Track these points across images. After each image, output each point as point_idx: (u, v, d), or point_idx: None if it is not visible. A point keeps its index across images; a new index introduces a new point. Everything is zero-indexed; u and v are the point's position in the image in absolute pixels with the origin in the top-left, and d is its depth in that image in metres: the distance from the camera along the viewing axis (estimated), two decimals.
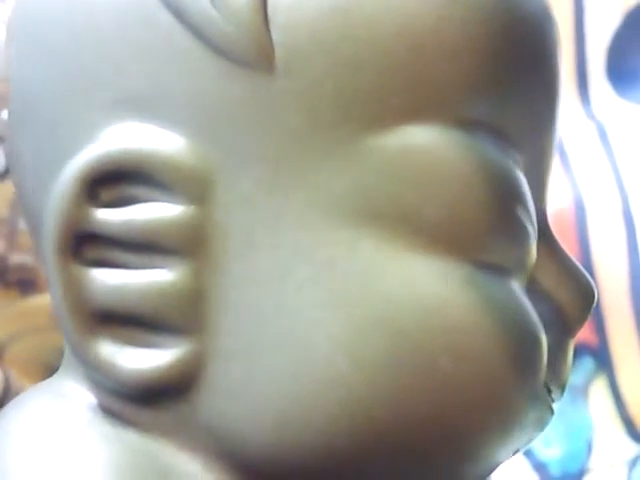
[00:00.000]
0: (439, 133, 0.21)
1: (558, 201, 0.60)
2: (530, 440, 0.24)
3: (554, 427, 0.60)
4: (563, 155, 0.61)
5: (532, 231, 0.22)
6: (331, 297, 0.20)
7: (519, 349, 0.22)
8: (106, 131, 0.20)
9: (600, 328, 0.59)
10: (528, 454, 0.57)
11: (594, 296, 0.24)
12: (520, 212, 0.22)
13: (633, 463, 0.57)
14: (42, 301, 0.55)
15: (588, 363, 0.59)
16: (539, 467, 0.57)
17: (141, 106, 0.20)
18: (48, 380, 0.22)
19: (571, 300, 0.24)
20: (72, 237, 0.20)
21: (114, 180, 0.20)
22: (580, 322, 0.24)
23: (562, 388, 0.24)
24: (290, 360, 0.20)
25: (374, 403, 0.20)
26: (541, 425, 0.24)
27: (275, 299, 0.20)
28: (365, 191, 0.20)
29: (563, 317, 0.24)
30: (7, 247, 0.56)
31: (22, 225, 0.56)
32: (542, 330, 0.22)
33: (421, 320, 0.20)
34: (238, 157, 0.20)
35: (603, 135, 0.62)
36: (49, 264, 0.20)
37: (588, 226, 0.60)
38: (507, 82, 0.22)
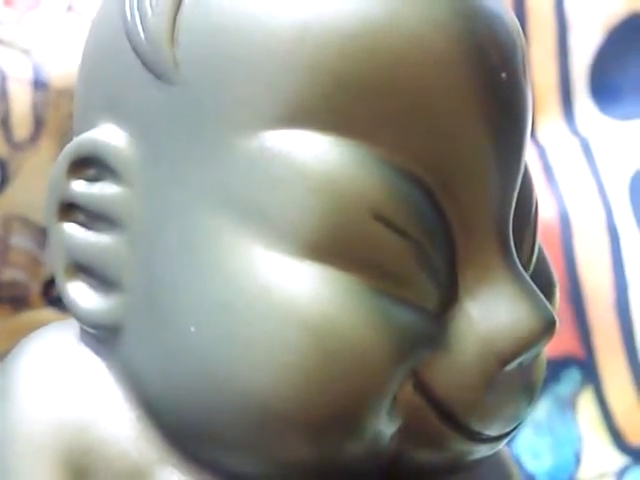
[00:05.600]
0: (308, 141, 0.23)
1: (543, 215, 0.60)
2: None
3: (542, 439, 0.60)
4: (548, 170, 0.62)
5: (416, 253, 0.24)
6: (196, 277, 0.24)
7: (340, 356, 0.23)
8: (93, 126, 0.27)
9: (586, 340, 0.60)
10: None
11: (533, 330, 0.24)
12: (390, 233, 0.24)
13: (621, 474, 0.58)
14: (34, 318, 0.55)
15: (575, 375, 0.59)
16: (527, 479, 0.58)
17: (110, 109, 0.26)
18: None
19: (499, 335, 0.24)
20: (59, 202, 0.27)
21: (86, 162, 0.26)
22: (510, 356, 0.24)
23: (503, 420, 0.25)
24: (169, 325, 0.25)
25: (215, 373, 0.24)
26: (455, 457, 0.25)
27: (166, 273, 0.25)
28: (232, 188, 0.24)
29: (487, 350, 0.24)
30: None
31: (14, 241, 0.56)
32: (394, 351, 0.23)
33: (250, 307, 0.24)
34: (157, 153, 0.25)
35: (587, 151, 0.63)
36: (47, 223, 0.27)
37: (573, 240, 0.61)
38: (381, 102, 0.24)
